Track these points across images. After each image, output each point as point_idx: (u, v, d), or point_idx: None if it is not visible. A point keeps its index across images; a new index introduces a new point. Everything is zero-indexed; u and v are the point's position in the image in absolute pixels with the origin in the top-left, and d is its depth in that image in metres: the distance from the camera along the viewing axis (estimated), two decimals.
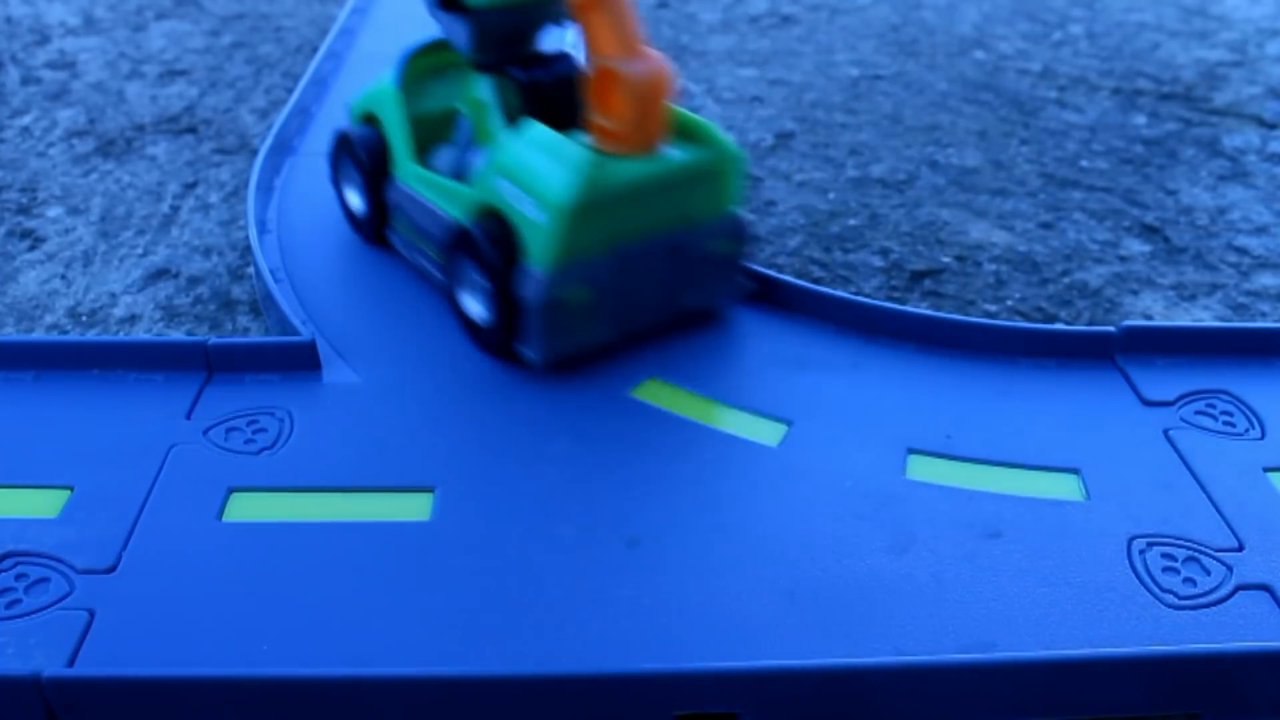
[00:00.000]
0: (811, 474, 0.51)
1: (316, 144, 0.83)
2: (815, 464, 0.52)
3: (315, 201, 0.75)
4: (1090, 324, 0.67)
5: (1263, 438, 0.54)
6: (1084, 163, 0.89)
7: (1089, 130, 0.94)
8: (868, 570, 0.46)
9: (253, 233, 0.69)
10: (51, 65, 1.06)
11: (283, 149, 0.81)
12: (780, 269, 0.73)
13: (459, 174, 0.63)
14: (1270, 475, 0.52)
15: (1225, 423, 0.55)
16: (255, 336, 0.65)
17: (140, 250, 0.75)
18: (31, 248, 0.75)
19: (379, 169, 0.66)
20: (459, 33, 0.60)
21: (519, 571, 0.46)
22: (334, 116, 0.87)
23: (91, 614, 0.43)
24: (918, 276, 0.73)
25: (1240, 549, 0.47)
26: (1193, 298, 0.71)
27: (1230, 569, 0.46)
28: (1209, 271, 0.74)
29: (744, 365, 0.59)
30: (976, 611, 0.44)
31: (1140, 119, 0.96)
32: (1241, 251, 0.76)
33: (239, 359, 0.57)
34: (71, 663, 0.41)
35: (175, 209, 0.80)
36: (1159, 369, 0.59)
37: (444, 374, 0.58)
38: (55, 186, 0.83)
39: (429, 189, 0.63)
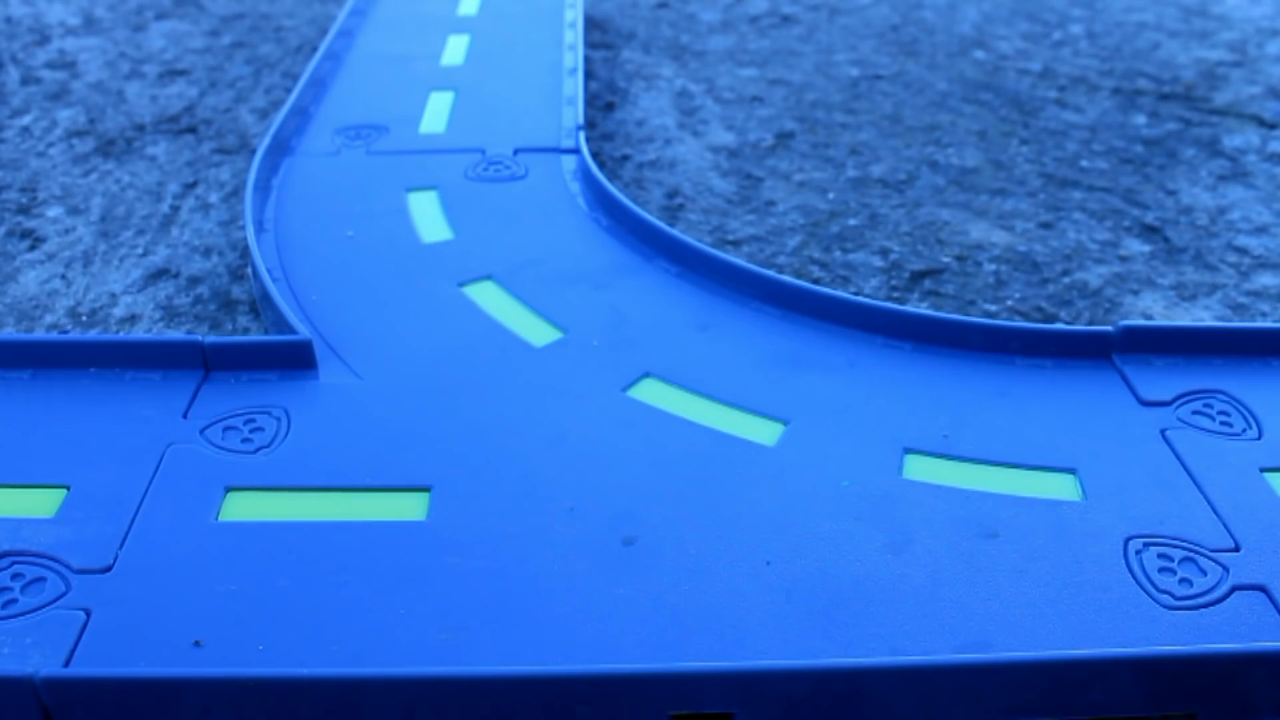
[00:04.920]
0: (808, 473, 0.51)
1: (315, 144, 0.83)
2: (812, 463, 0.52)
3: (313, 201, 0.75)
4: (1090, 324, 0.67)
5: (1260, 438, 0.54)
6: (1084, 163, 0.89)
7: (1089, 130, 0.94)
8: (864, 570, 0.46)
9: (250, 232, 0.69)
10: (51, 65, 1.07)
11: (280, 149, 0.81)
12: (780, 269, 0.73)
13: None
14: (1267, 475, 0.51)
15: (1222, 423, 0.55)
16: (253, 336, 0.65)
17: (140, 250, 0.75)
18: (31, 248, 0.75)
19: None
20: None
21: (514, 571, 0.46)
22: (332, 117, 0.87)
23: (88, 614, 0.43)
24: (918, 276, 0.73)
25: (1237, 549, 0.47)
26: (1193, 298, 0.71)
27: (1227, 569, 0.46)
28: (1209, 271, 0.74)
29: (741, 364, 0.59)
30: (973, 611, 0.44)
31: (1140, 119, 0.96)
32: (1241, 251, 0.76)
33: (236, 358, 0.57)
34: (68, 663, 0.41)
35: (175, 209, 0.80)
36: (1157, 369, 0.59)
37: (440, 373, 0.58)
38: (55, 186, 0.83)
39: None
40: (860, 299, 0.62)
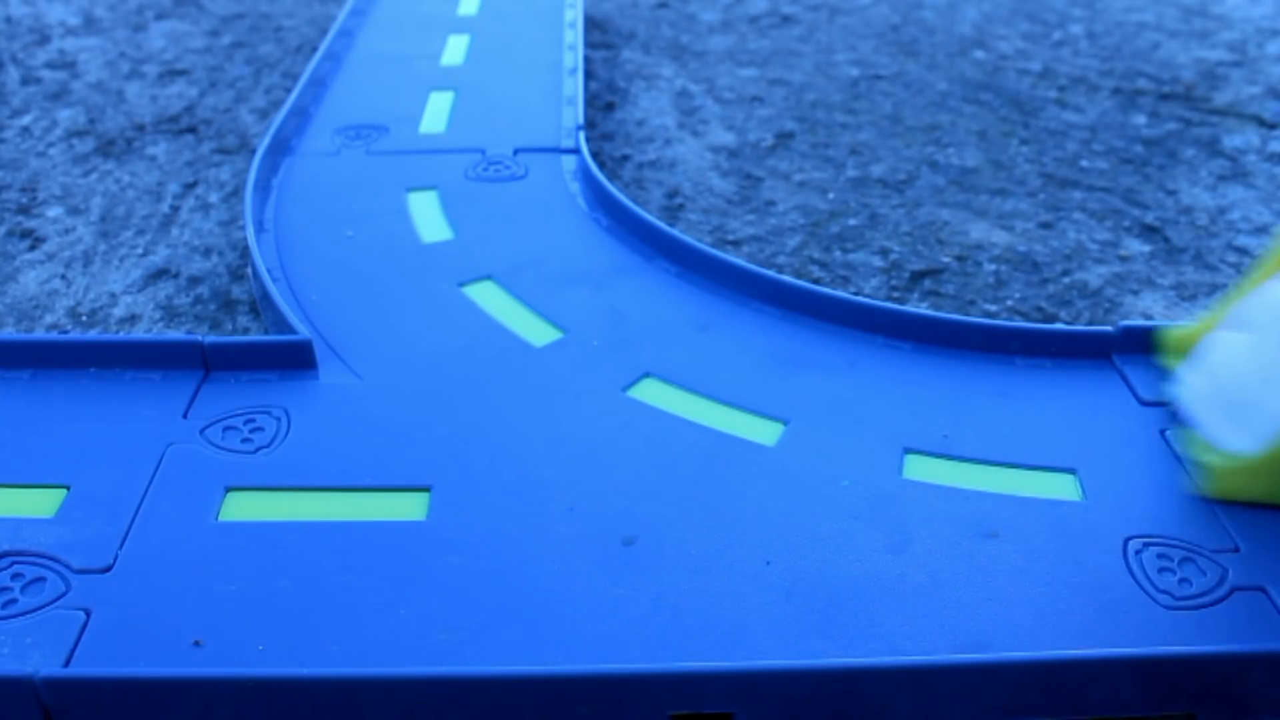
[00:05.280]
0: (808, 473, 0.51)
1: (315, 144, 0.83)
2: (812, 463, 0.52)
3: (313, 201, 0.75)
4: (1090, 324, 0.67)
5: None
6: (1084, 163, 0.89)
7: (1089, 130, 0.94)
8: (864, 570, 0.46)
9: (250, 232, 0.69)
10: (51, 65, 1.06)
11: (280, 149, 0.81)
12: (780, 269, 0.73)
13: None
14: None
15: None
16: (253, 336, 0.65)
17: (140, 250, 0.75)
18: (31, 248, 0.75)
19: None
20: None
21: (514, 571, 0.46)
22: (332, 117, 0.87)
23: (88, 614, 0.43)
24: (918, 276, 0.73)
25: (1236, 550, 0.47)
26: (1193, 298, 0.71)
27: (1226, 570, 0.46)
28: (1209, 271, 0.74)
29: (741, 364, 0.59)
30: (973, 611, 0.44)
31: (1140, 119, 0.96)
32: (1241, 251, 0.76)
33: (236, 357, 0.57)
34: (68, 663, 0.41)
35: (175, 209, 0.80)
36: (1157, 369, 0.59)
37: (440, 373, 0.58)
38: (55, 186, 0.83)
39: None
40: (860, 299, 0.62)
